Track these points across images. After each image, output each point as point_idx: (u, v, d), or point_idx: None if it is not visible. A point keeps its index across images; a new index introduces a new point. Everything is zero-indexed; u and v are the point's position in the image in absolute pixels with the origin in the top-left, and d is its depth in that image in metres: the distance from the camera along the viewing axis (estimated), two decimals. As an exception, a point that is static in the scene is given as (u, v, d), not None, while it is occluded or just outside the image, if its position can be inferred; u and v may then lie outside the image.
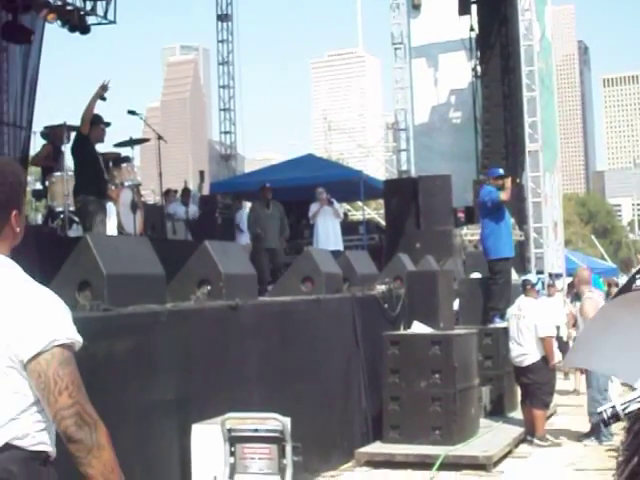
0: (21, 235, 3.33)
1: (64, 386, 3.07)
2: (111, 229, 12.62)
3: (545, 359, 11.75)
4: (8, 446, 3.04)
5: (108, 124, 12.93)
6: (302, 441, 6.70)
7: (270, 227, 17.65)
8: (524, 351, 11.83)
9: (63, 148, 13.66)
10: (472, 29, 28.38)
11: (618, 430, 9.70)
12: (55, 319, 3.12)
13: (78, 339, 3.16)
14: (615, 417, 4.21)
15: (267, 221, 17.74)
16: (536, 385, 11.80)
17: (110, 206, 12.67)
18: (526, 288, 12.45)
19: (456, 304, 13.72)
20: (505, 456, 10.68)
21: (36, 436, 3.09)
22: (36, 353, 3.04)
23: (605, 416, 4.23)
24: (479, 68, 28.23)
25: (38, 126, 18.40)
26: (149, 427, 6.86)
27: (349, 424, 10.78)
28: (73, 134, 13.54)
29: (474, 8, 28.22)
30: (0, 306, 3.09)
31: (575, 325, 12.05)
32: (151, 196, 22.60)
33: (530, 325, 11.82)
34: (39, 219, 17.56)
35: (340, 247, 18.33)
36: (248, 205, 21.48)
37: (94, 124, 12.12)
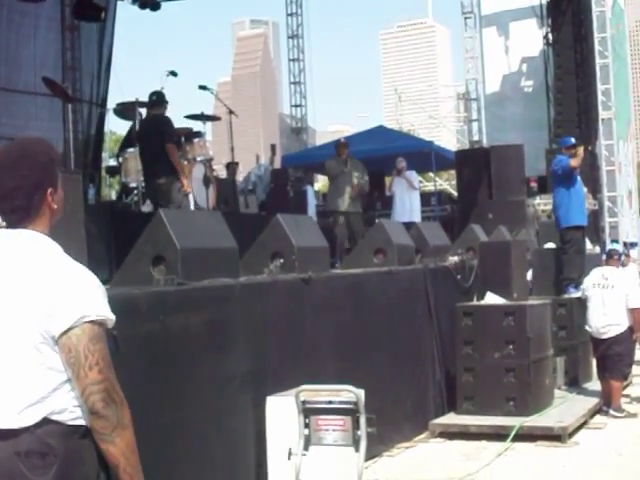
0: (59, 211, 3.40)
1: (94, 362, 3.12)
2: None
3: (631, 330, 11.56)
4: (46, 421, 3.10)
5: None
6: (376, 413, 6.71)
7: (345, 187, 16.46)
8: (610, 321, 11.59)
9: (135, 125, 13.77)
10: (543, -4, 28.03)
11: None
12: (86, 296, 3.18)
13: (110, 316, 3.21)
14: None
15: (344, 181, 16.52)
16: (618, 357, 11.57)
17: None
18: (612, 257, 12.28)
19: (529, 275, 13.62)
20: (580, 427, 10.59)
21: (75, 410, 3.15)
22: (67, 328, 3.10)
23: None
24: (550, 36, 27.86)
25: (111, 103, 18.68)
26: (225, 399, 6.94)
27: (423, 395, 10.79)
28: (144, 111, 13.71)
29: (545, -25, 27.86)
30: (32, 284, 3.15)
31: None
32: (223, 171, 22.69)
33: (620, 295, 11.55)
34: (113, 195, 17.80)
35: (416, 219, 18.26)
36: (320, 178, 21.50)
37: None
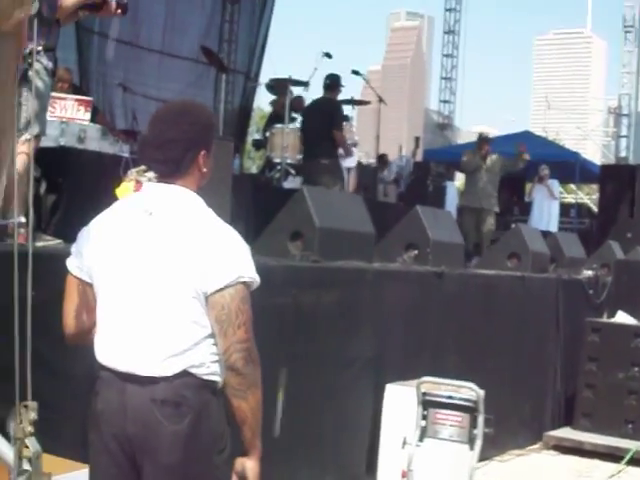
0: (208, 177, 3.49)
1: (243, 321, 3.23)
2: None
3: None
4: (185, 373, 3.21)
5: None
6: (493, 415, 6.69)
7: (485, 185, 15.41)
8: None
9: (286, 101, 13.91)
10: None
11: None
12: (242, 256, 3.29)
13: (257, 279, 3.31)
14: None
15: (481, 178, 15.43)
16: None
17: None
18: None
19: (664, 299, 13.33)
20: (698, 459, 10.34)
21: (211, 366, 3.26)
22: (223, 286, 3.20)
23: None
24: None
25: (264, 78, 18.91)
26: (345, 381, 7.00)
27: (541, 406, 10.67)
28: (296, 89, 13.87)
29: None
30: (189, 238, 3.24)
31: None
32: (364, 158, 22.76)
33: None
34: (254, 169, 18.04)
35: (553, 228, 18.01)
36: (459, 176, 21.37)
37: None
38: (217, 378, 3.27)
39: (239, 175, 13.53)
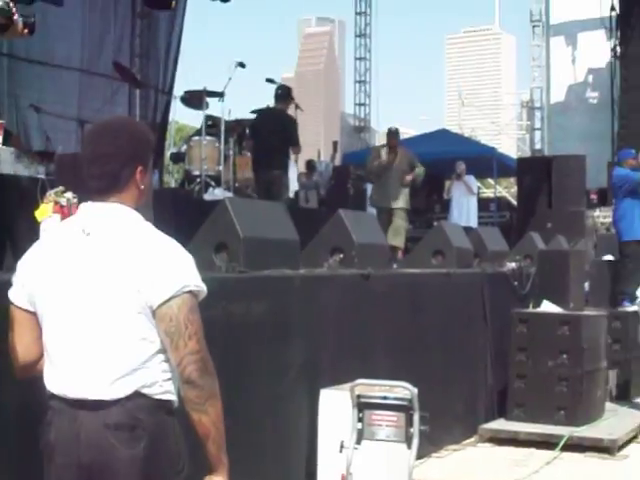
0: (146, 194, 3.46)
1: (194, 331, 3.19)
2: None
3: None
4: (137, 394, 3.15)
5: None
6: (427, 413, 6.74)
7: (393, 182, 14.91)
8: (656, 336, 11.61)
9: (202, 113, 13.90)
10: (613, 9, 27.75)
11: None
12: (185, 266, 3.26)
13: (204, 288, 3.29)
14: None
15: (389, 175, 14.91)
16: None
17: None
18: None
19: (586, 286, 13.55)
20: (630, 441, 10.50)
21: (163, 385, 3.21)
22: (169, 297, 3.17)
23: None
24: (619, 49, 27.61)
25: (178, 91, 18.87)
26: (280, 389, 7.00)
27: (474, 399, 10.79)
28: (211, 100, 13.87)
29: (615, -13, 27.63)
30: (129, 253, 3.20)
31: None
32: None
33: None
34: (173, 183, 17.99)
35: (473, 224, 18.18)
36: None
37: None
38: (171, 397, 3.24)
39: (159, 190, 13.50)
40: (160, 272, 3.19)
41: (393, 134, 15.46)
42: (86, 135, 3.47)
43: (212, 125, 13.83)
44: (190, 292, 3.22)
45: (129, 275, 3.18)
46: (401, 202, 14.99)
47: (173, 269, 3.21)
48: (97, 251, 3.24)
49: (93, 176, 3.33)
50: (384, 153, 15.21)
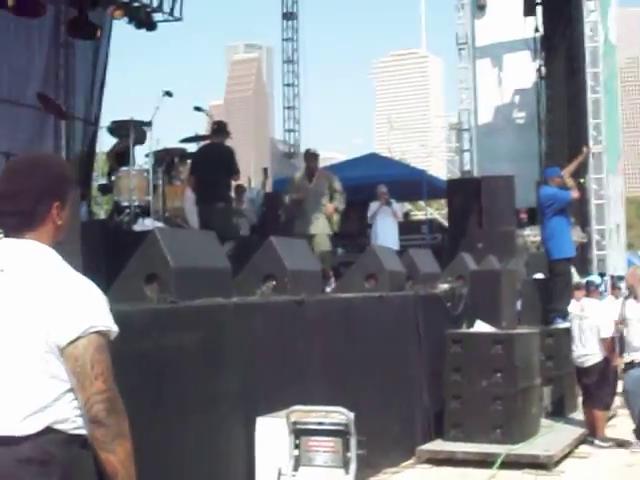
0: (64, 230, 3.41)
1: (100, 371, 3.16)
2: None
3: (607, 360, 11.68)
4: (49, 430, 3.11)
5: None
6: (364, 436, 6.75)
7: (311, 207, 14.55)
8: (586, 352, 11.77)
9: (129, 143, 13.82)
10: (537, 30, 28.18)
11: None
12: (93, 306, 3.21)
13: (114, 328, 3.26)
14: None
15: (307, 200, 14.55)
16: (597, 386, 11.71)
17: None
18: (590, 289, 12.42)
19: (518, 304, 13.69)
20: (566, 456, 10.63)
21: (76, 420, 3.18)
22: (75, 337, 3.13)
23: None
24: (543, 69, 28.02)
25: (104, 121, 18.72)
26: (215, 419, 6.96)
27: (411, 421, 10.82)
28: (139, 129, 13.79)
29: (539, 9, 28.04)
30: (40, 292, 3.17)
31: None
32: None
33: (593, 326, 11.75)
34: (102, 214, 17.85)
35: (397, 247, 18.16)
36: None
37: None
38: (85, 431, 3.20)
39: (87, 222, 13.39)
40: (68, 312, 3.15)
41: (310, 156, 15.25)
42: (3, 171, 3.41)
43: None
44: (98, 332, 3.19)
45: (39, 314, 3.14)
46: (321, 227, 14.68)
47: (81, 309, 3.18)
48: (9, 288, 3.20)
49: (7, 213, 3.29)
50: (297, 180, 15.07)
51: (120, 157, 14.06)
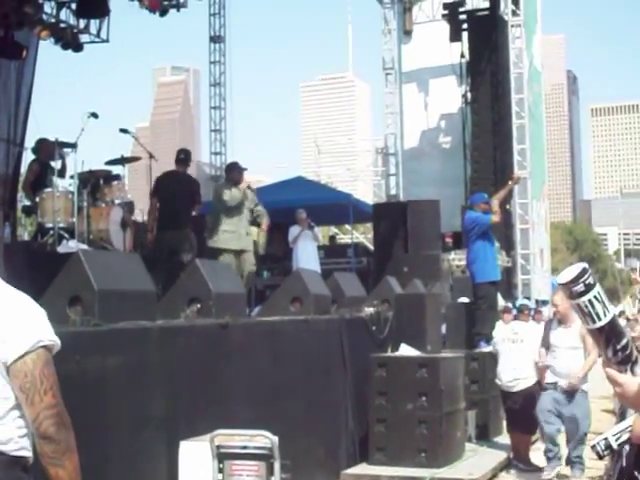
0: None
1: (49, 386, 3.14)
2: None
3: (539, 384, 11.69)
4: None
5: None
6: (289, 460, 6.72)
7: (244, 221, 14.06)
8: (519, 375, 11.77)
9: (53, 164, 13.68)
10: (463, 56, 28.53)
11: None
12: (38, 320, 3.21)
13: (58, 342, 3.24)
14: (609, 448, 4.23)
15: (240, 212, 13.93)
16: (525, 410, 11.69)
17: None
18: (523, 312, 12.54)
19: (443, 328, 13.78)
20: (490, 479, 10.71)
21: (19, 441, 3.13)
22: (23, 353, 3.10)
23: (599, 449, 4.26)
24: (469, 95, 28.37)
25: (30, 143, 18.51)
26: (138, 443, 6.87)
27: (336, 445, 10.79)
28: (64, 150, 13.65)
29: (465, 35, 28.40)
30: None
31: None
32: (139, 215, 22.57)
33: (528, 349, 11.73)
34: (26, 235, 17.61)
35: (319, 272, 18.04)
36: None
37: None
38: (27, 453, 3.16)
39: (11, 243, 13.20)
40: (13, 328, 3.12)
41: (235, 168, 14.41)
42: None
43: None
44: (44, 347, 3.17)
45: None
46: (250, 244, 14.24)
47: (26, 324, 3.15)
48: None
49: None
50: (224, 186, 14.22)
51: (37, 183, 13.88)
